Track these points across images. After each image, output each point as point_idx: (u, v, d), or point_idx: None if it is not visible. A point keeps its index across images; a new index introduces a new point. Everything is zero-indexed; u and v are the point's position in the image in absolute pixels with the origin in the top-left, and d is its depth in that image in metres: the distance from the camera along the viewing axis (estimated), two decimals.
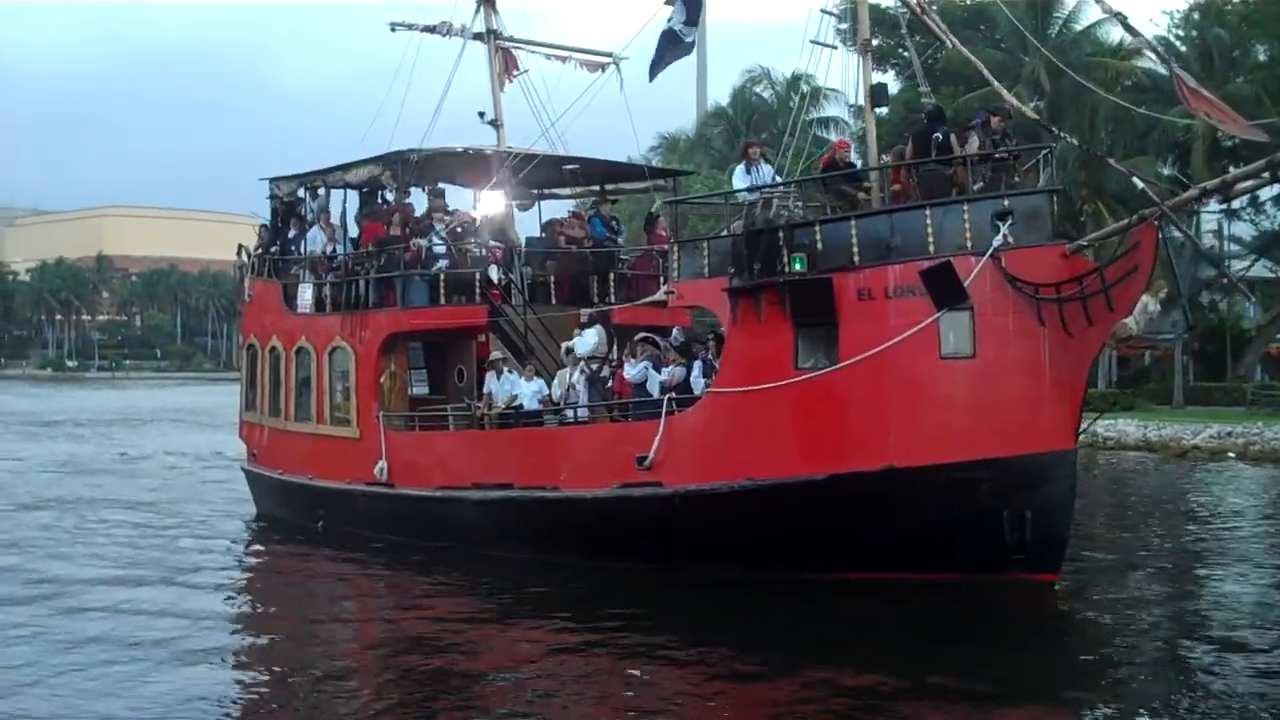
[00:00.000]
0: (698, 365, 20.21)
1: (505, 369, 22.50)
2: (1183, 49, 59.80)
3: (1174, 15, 60.68)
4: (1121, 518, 28.27)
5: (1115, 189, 49.86)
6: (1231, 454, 43.47)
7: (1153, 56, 58.56)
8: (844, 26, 21.26)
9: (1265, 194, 51.21)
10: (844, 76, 20.25)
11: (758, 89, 76.24)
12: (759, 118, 74.47)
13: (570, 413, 21.52)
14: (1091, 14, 59.52)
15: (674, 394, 19.83)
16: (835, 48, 19.87)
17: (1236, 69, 54.48)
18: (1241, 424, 46.58)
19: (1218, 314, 56.74)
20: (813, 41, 19.83)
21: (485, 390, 22.64)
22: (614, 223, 26.02)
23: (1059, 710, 13.46)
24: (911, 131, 20.01)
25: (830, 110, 66.02)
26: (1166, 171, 55.91)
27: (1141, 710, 12.86)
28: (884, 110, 21.43)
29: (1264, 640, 15.86)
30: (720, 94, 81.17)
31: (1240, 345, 58.29)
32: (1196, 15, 59.38)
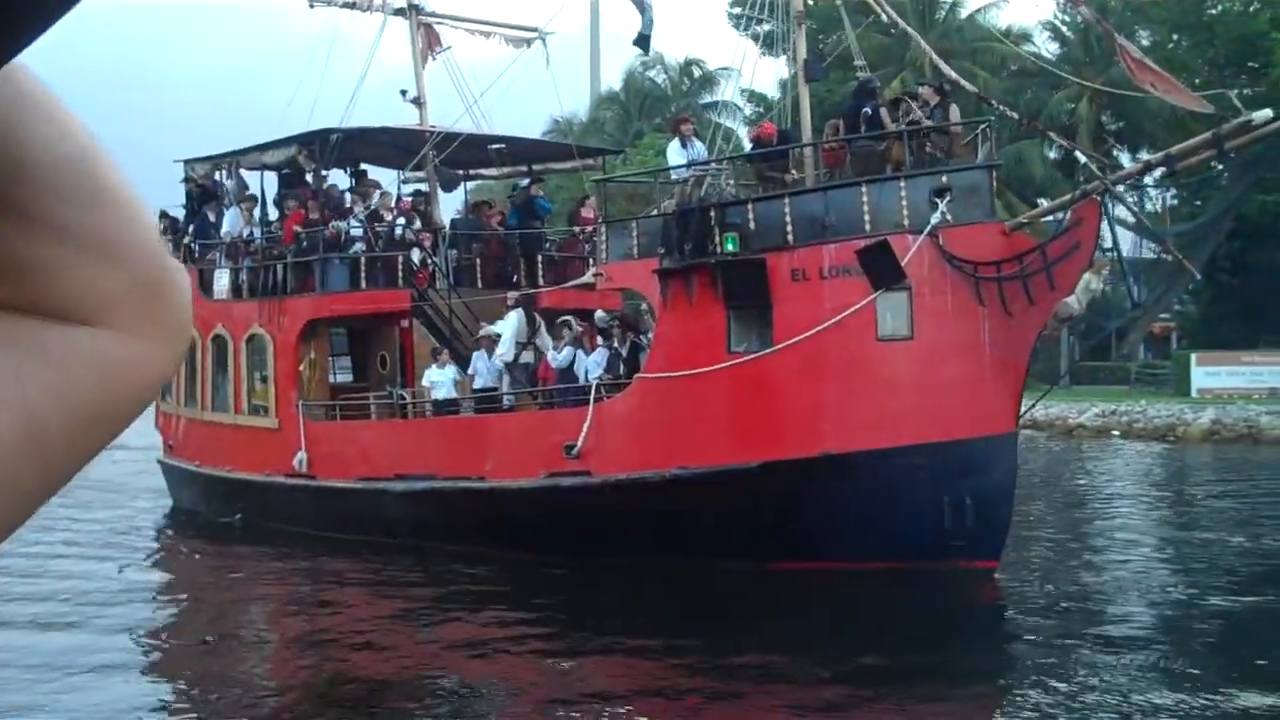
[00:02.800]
0: (599, 353, 19.65)
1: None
2: (1068, 34, 60.33)
3: (1059, 1, 61.30)
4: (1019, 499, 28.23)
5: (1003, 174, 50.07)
6: (1116, 432, 44.57)
7: (1036, 41, 59.66)
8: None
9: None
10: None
11: (650, 73, 75.69)
12: (651, 102, 74.10)
13: (495, 400, 20.88)
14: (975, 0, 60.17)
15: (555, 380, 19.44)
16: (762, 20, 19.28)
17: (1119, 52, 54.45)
18: (1125, 402, 47.61)
19: (1103, 294, 57.47)
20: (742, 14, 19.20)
21: (426, 381, 21.94)
22: (536, 204, 25.20)
23: (992, 700, 13.07)
24: (843, 107, 19.51)
25: (722, 93, 66.32)
26: (1053, 155, 56.41)
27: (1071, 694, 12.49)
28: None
29: (1168, 618, 15.94)
30: (613, 78, 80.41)
31: (1125, 325, 59.02)
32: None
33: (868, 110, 18.46)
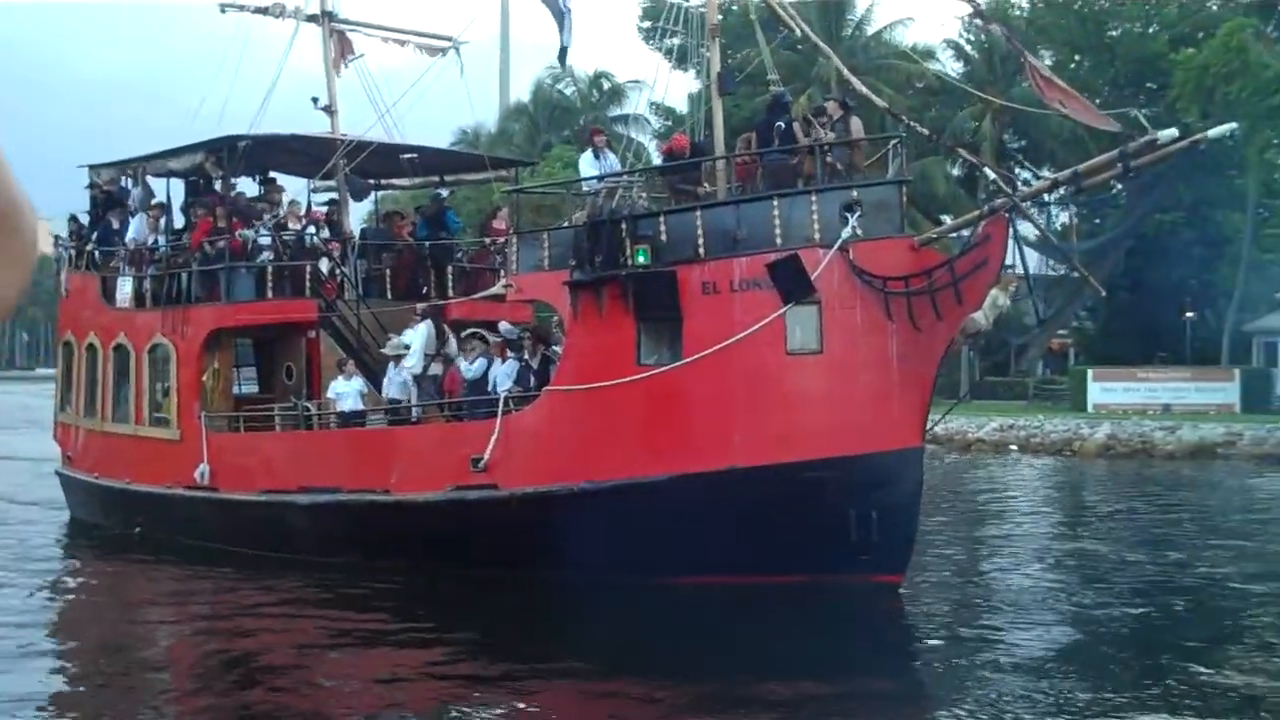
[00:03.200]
0: (509, 365, 19.28)
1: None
2: (972, 53, 61.17)
3: (965, 20, 62.15)
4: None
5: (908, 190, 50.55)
6: (1014, 446, 45.13)
7: (941, 59, 60.28)
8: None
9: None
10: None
11: (560, 86, 75.40)
12: (559, 114, 73.87)
13: (402, 412, 20.37)
14: (881, 18, 60.77)
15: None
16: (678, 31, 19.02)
17: (1023, 73, 55.24)
18: (1023, 417, 48.03)
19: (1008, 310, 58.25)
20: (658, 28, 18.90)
21: (331, 393, 21.33)
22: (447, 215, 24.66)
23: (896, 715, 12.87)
24: (754, 121, 19.31)
25: (633, 106, 66.36)
26: (956, 172, 57.16)
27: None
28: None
29: (1069, 631, 15.91)
30: (522, 89, 79.83)
31: (1025, 341, 59.79)
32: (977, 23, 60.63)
33: (781, 124, 18.26)
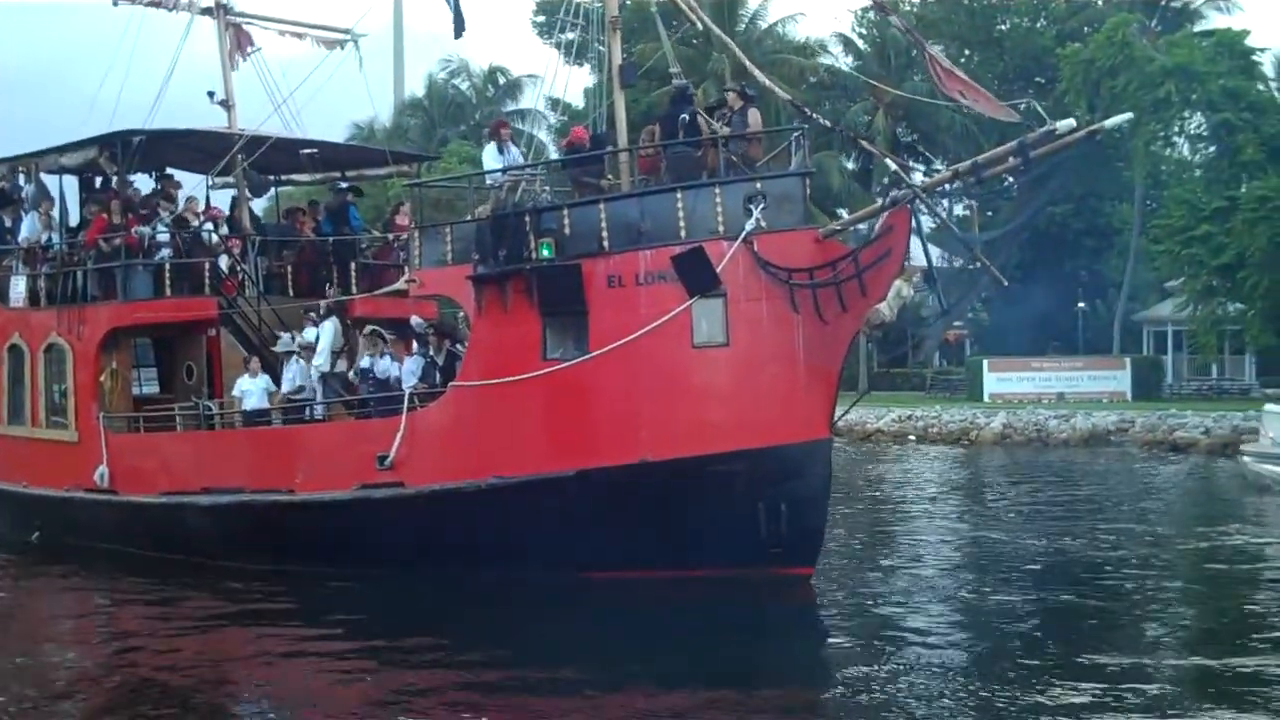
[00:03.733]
0: (414, 361, 18.80)
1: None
2: (864, 47, 61.56)
3: (856, 14, 62.67)
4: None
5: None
6: (912, 436, 45.53)
7: (834, 52, 60.54)
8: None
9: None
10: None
11: (456, 81, 74.48)
12: (455, 109, 73.04)
13: (305, 411, 19.73)
14: (774, 12, 60.89)
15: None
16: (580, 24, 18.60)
17: (915, 67, 55.85)
18: (920, 408, 48.36)
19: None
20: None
21: (237, 391, 20.61)
22: (350, 210, 23.93)
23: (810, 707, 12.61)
24: (658, 113, 18.94)
25: (532, 101, 65.83)
26: (851, 165, 57.52)
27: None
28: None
29: (977, 617, 15.93)
30: (416, 83, 78.73)
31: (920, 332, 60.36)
32: (875, 14, 61.12)
33: (685, 116, 17.91)
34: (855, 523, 24.48)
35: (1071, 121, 15.42)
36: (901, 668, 13.41)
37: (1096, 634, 14.86)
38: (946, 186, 16.54)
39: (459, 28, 19.29)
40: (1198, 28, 53.95)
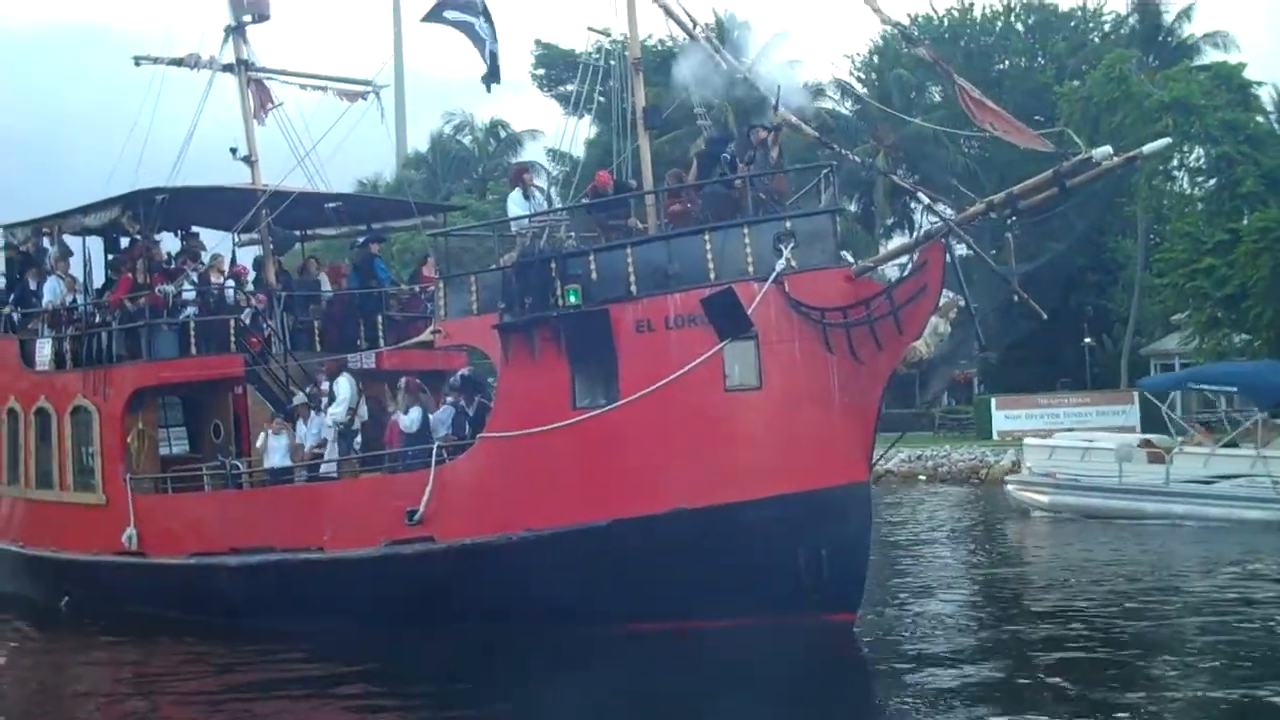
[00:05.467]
0: (445, 411, 17.73)
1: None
2: (862, 90, 60.57)
3: (854, 59, 61.73)
4: None
5: None
6: (922, 476, 43.92)
7: (833, 96, 59.45)
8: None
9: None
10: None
11: (459, 136, 73.37)
12: (458, 164, 71.99)
13: (328, 468, 18.59)
14: (775, 56, 59.77)
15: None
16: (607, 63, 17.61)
17: (915, 108, 54.91)
18: (930, 448, 46.62)
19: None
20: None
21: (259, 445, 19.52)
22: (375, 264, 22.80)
23: None
24: (697, 152, 17.90)
25: (529, 154, 64.89)
26: (852, 208, 56.37)
27: None
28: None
29: (1024, 659, 15.01)
30: (419, 141, 77.11)
31: (928, 372, 58.86)
32: (876, 59, 60.21)
33: (726, 155, 16.86)
34: (885, 565, 23.20)
35: (1108, 149, 14.30)
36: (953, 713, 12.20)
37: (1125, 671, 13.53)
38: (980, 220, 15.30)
39: (493, 77, 18.20)
40: (1194, 64, 52.78)
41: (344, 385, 18.74)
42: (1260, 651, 14.77)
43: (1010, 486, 32.24)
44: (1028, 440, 33.99)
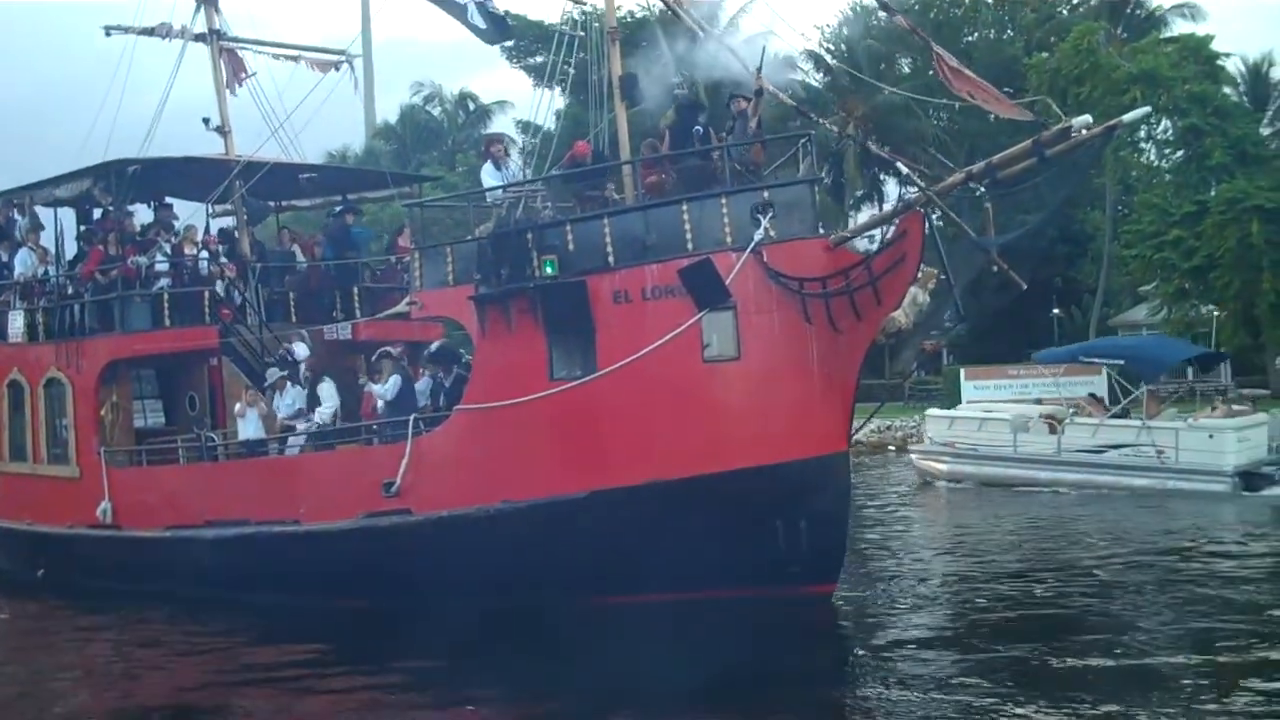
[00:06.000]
0: (424, 382, 17.56)
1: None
2: (833, 61, 60.06)
3: (824, 30, 61.22)
4: None
5: None
6: (892, 447, 43.68)
7: (804, 68, 59.05)
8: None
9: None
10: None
11: (429, 107, 72.35)
12: (428, 135, 71.11)
13: (297, 444, 18.27)
14: (746, 27, 59.23)
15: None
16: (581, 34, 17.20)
17: (884, 79, 54.53)
18: (899, 418, 46.53)
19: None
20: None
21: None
22: (351, 233, 22.37)
23: None
24: (668, 125, 17.53)
25: (498, 125, 64.10)
26: (824, 179, 55.92)
27: None
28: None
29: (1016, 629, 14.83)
30: (388, 111, 75.81)
31: (899, 343, 58.67)
32: (846, 30, 59.74)
33: (699, 128, 16.50)
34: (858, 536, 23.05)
35: (1088, 118, 14.02)
36: (938, 682, 12.10)
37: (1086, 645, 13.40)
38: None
39: (499, 31, 17.67)
40: (1163, 35, 52.51)
41: (328, 390, 18.37)
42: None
43: (913, 456, 33.13)
44: (929, 411, 35.09)
